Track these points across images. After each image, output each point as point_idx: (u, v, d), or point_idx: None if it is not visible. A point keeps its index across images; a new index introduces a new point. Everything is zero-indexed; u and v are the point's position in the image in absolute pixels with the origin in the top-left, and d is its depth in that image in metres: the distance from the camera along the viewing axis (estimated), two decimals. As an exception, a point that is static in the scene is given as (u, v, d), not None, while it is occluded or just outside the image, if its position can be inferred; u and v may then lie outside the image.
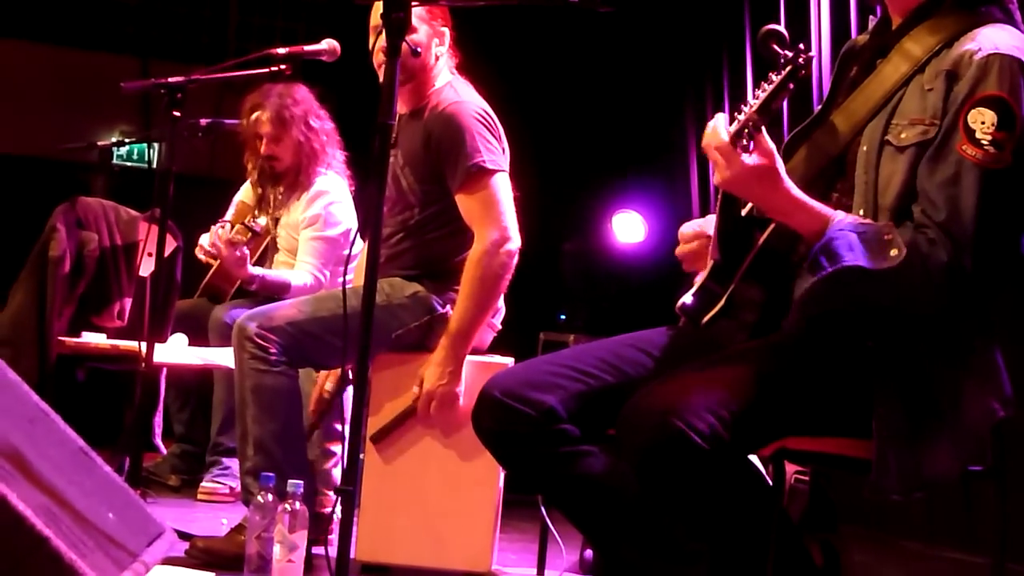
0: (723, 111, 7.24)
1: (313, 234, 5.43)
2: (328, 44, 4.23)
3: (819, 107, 2.94)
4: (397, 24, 2.68)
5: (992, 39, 2.65)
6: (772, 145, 2.61)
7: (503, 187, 4.16)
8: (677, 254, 3.03)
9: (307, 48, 4.21)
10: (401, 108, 4.29)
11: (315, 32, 4.41)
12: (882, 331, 2.63)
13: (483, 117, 4.19)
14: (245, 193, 5.76)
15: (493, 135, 4.20)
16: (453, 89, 4.24)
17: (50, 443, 3.06)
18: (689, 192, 7.60)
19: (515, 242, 4.13)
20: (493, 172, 4.13)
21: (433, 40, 4.26)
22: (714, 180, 2.69)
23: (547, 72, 7.81)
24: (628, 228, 7.65)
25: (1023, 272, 2.78)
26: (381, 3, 2.76)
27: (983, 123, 2.58)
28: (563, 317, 7.76)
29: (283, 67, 4.30)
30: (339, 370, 4.30)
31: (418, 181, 4.23)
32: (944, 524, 6.02)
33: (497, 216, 4.11)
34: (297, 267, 5.42)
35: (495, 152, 4.16)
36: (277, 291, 5.22)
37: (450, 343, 4.08)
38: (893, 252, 2.56)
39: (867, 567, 4.32)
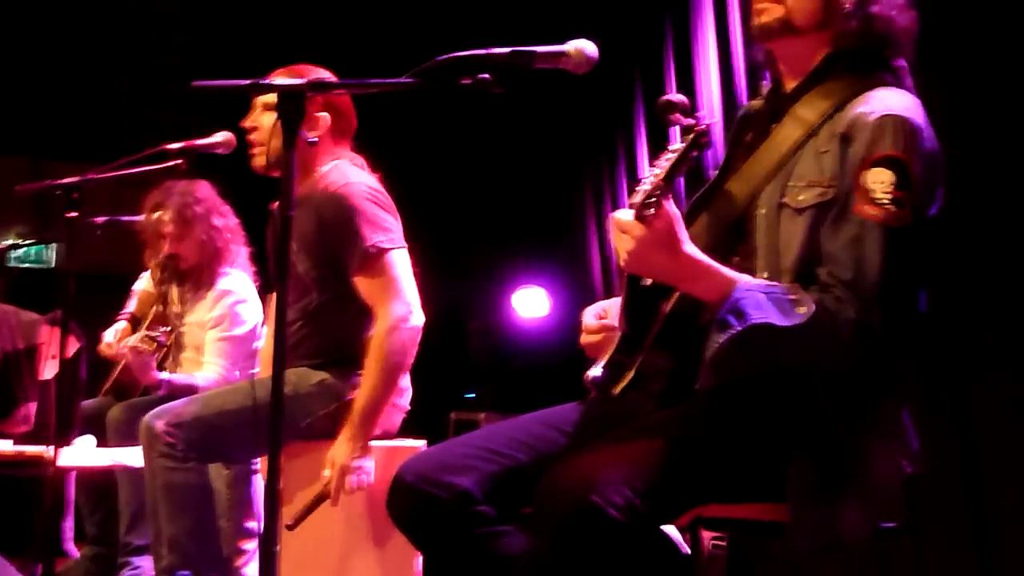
0: (620, 183, 7.35)
1: (220, 334, 5.38)
2: (223, 136, 4.21)
3: (715, 174, 2.98)
4: (292, 115, 2.67)
5: (884, 100, 2.71)
6: (675, 211, 2.62)
7: (401, 264, 4.15)
8: (581, 344, 3.05)
9: (201, 142, 4.19)
10: None
11: (208, 124, 4.38)
12: (791, 393, 2.66)
13: (374, 195, 4.18)
14: (147, 282, 5.71)
15: (386, 212, 4.19)
16: (340, 171, 4.23)
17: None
18: (590, 264, 7.63)
19: (418, 318, 4.12)
20: (390, 250, 4.12)
21: (317, 122, 4.27)
22: (619, 262, 2.70)
23: (447, 151, 7.85)
24: (532, 303, 7.68)
25: (923, 329, 2.83)
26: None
27: (881, 183, 2.63)
28: (472, 396, 7.76)
29: (178, 162, 4.28)
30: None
31: (314, 266, 4.21)
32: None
33: (398, 294, 4.10)
34: (204, 367, 5.36)
35: (390, 230, 4.15)
36: (185, 394, 5.15)
37: (358, 421, 4.05)
38: (801, 310, 2.59)
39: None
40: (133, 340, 5.08)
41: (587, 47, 2.69)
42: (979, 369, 5.45)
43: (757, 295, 2.61)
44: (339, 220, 4.10)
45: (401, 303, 4.09)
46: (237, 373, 5.36)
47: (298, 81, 2.70)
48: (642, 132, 7.17)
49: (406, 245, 4.21)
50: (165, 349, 5.43)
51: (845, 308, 2.60)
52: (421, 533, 2.85)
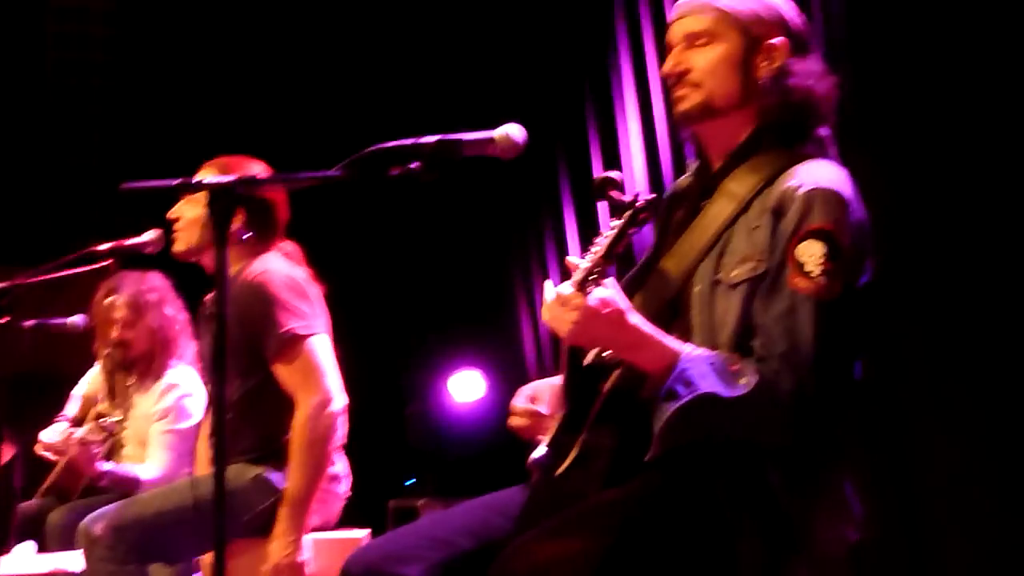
0: (549, 262, 7.37)
1: (165, 427, 5.31)
2: (152, 235, 4.20)
3: (648, 253, 3.00)
4: (222, 213, 2.67)
5: (813, 174, 2.74)
6: (615, 284, 2.67)
7: (320, 349, 4.15)
8: (510, 426, 3.06)
9: (130, 242, 4.17)
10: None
11: (128, 223, 4.37)
12: (736, 467, 2.66)
13: (291, 283, 4.19)
14: (90, 386, 5.64)
15: (304, 300, 4.19)
16: (262, 260, 4.24)
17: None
18: (522, 345, 7.64)
19: (339, 402, 4.12)
20: (307, 336, 4.12)
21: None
22: (561, 336, 2.71)
23: (376, 239, 7.86)
24: (467, 386, 7.67)
25: (860, 396, 2.86)
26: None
27: (812, 256, 2.66)
28: (411, 482, 7.72)
29: (107, 262, 4.26)
30: None
31: (233, 355, 4.18)
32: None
33: (317, 379, 4.10)
34: (148, 460, 5.28)
35: (308, 316, 4.15)
36: (127, 487, 5.10)
37: (288, 513, 4.03)
38: (742, 381, 2.62)
39: None
40: (80, 432, 5.03)
41: (513, 132, 2.70)
42: (916, 433, 5.49)
43: (702, 365, 2.64)
44: (256, 307, 4.09)
45: (319, 389, 4.09)
46: (186, 470, 5.29)
47: (227, 179, 2.70)
48: (569, 211, 7.21)
49: (325, 331, 4.20)
50: (111, 440, 5.37)
51: (782, 379, 2.62)
52: (372, 625, 2.82)
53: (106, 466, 5.12)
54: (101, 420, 5.16)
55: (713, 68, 2.89)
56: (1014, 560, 5.11)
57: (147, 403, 5.39)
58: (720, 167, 2.91)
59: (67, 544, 4.37)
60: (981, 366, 5.19)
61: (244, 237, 4.12)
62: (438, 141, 2.67)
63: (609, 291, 2.64)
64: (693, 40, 2.91)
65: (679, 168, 6.29)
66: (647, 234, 3.11)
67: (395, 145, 2.67)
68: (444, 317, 7.85)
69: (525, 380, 7.62)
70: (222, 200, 2.67)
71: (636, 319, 2.66)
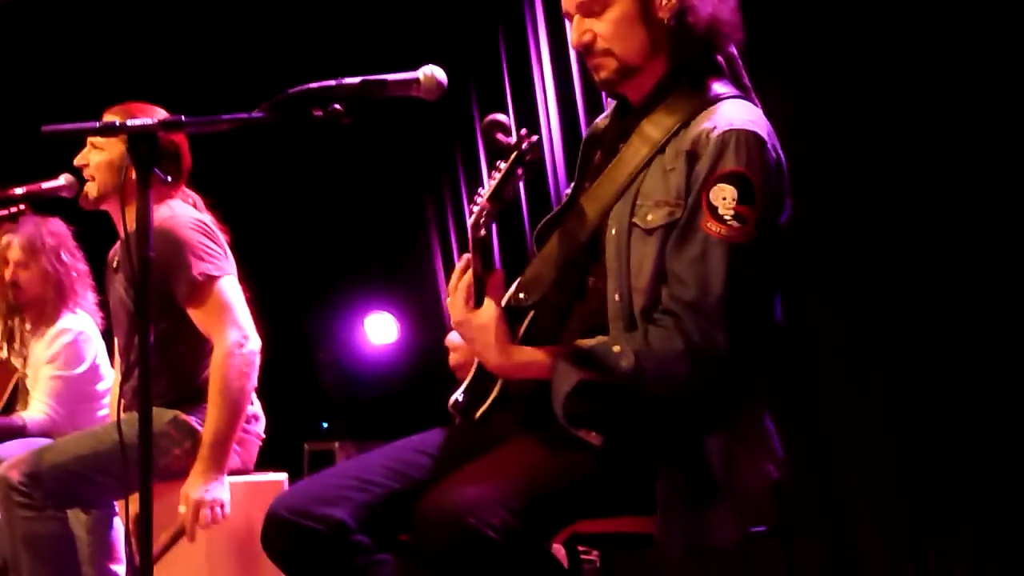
0: (463, 204, 7.38)
1: (52, 372, 5.24)
2: (66, 179, 4.15)
3: (568, 193, 3.01)
4: (145, 154, 2.66)
5: (727, 116, 2.75)
6: (495, 311, 2.76)
7: (231, 291, 4.14)
8: (451, 365, 3.07)
9: (45, 185, 4.12)
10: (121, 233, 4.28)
11: (40, 168, 4.31)
12: (656, 409, 2.69)
13: (199, 226, 4.16)
14: None
15: (213, 242, 4.17)
16: (168, 207, 4.21)
17: None
18: (437, 288, 7.65)
19: (254, 342, 4.11)
20: (218, 278, 4.10)
21: (127, 163, 4.21)
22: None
23: (288, 183, 7.81)
24: (380, 329, 7.67)
25: (779, 338, 2.89)
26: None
27: (724, 199, 2.66)
28: (326, 426, 7.73)
29: (21, 207, 4.21)
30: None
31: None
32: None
33: (232, 319, 4.08)
34: (31, 406, 5.22)
35: (217, 258, 4.14)
36: (10, 435, 5.04)
37: (208, 453, 4.00)
38: (624, 363, 2.65)
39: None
40: None
41: (438, 73, 2.71)
42: (826, 373, 5.57)
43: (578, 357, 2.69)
44: (165, 252, 4.04)
45: (234, 329, 4.07)
46: (61, 412, 5.20)
47: (149, 121, 2.68)
48: (481, 153, 7.21)
49: (234, 273, 4.20)
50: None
51: (673, 341, 2.64)
52: (298, 567, 2.82)
53: None
54: None
55: (616, 32, 2.87)
56: (919, 496, 5.21)
57: (39, 348, 5.32)
58: (637, 108, 2.91)
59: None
60: (888, 305, 5.27)
61: (167, 179, 4.08)
62: (362, 82, 2.67)
63: (490, 315, 2.77)
64: (588, 8, 2.89)
65: (592, 105, 6.31)
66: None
67: (318, 86, 2.66)
68: (357, 260, 7.84)
69: (438, 324, 7.69)
70: (143, 143, 2.65)
71: (507, 346, 2.77)
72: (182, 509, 4.00)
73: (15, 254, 5.32)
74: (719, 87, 2.85)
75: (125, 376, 4.22)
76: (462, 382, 2.98)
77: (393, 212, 7.90)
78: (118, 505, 4.52)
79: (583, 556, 3.82)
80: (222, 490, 4.00)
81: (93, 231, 5.21)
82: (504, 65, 6.97)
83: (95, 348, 5.34)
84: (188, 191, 4.37)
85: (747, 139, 2.71)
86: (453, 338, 3.07)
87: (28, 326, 5.42)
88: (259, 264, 4.48)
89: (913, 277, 5.20)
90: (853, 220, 5.39)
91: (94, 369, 5.32)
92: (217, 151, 4.69)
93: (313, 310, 7.93)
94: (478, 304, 2.77)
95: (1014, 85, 4.59)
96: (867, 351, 5.41)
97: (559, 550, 2.78)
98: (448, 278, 7.41)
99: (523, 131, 2.70)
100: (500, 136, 2.72)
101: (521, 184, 2.79)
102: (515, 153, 2.69)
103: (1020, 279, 4.78)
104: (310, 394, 7.86)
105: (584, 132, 6.20)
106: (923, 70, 4.86)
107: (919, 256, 5.15)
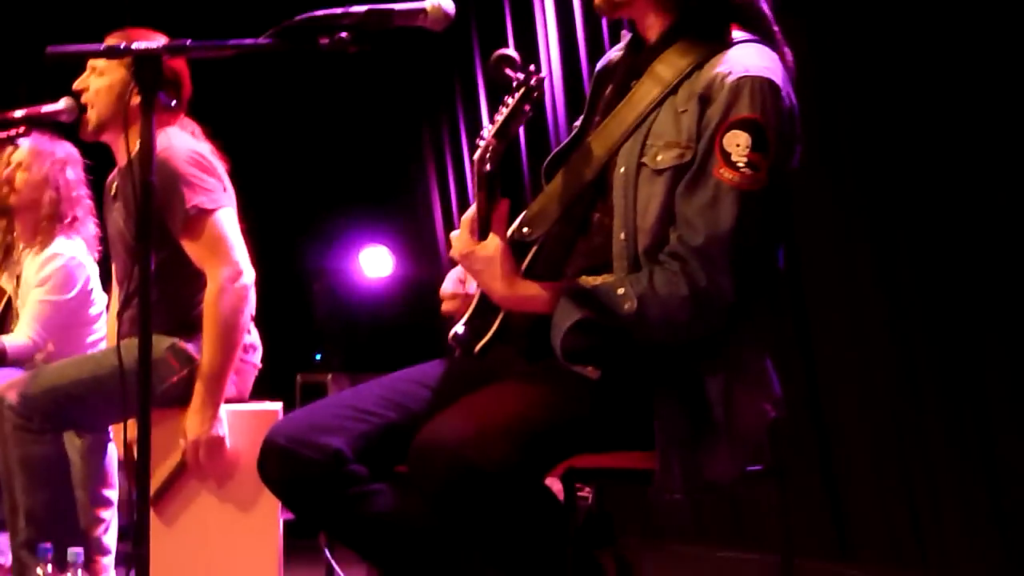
0: (461, 139, 7.37)
1: (41, 296, 5.15)
2: (66, 103, 4.12)
3: (577, 126, 3.00)
4: (150, 78, 2.64)
5: (742, 61, 2.71)
6: (501, 243, 2.75)
7: (227, 223, 4.12)
8: (443, 312, 3.07)
9: (45, 108, 4.08)
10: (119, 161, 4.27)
11: (37, 94, 4.28)
12: (657, 347, 2.70)
13: (194, 158, 4.13)
14: None
15: (209, 174, 4.14)
16: (166, 135, 4.16)
17: None
18: (433, 221, 7.65)
19: (248, 275, 4.10)
20: (213, 211, 4.08)
21: (132, 88, 4.20)
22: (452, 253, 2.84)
23: (287, 114, 7.79)
24: (376, 263, 7.67)
25: (780, 283, 2.90)
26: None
27: (738, 146, 2.65)
28: (319, 357, 7.74)
29: (20, 129, 4.19)
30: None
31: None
32: (712, 525, 6.21)
33: (225, 252, 4.07)
34: (17, 329, 5.17)
35: (213, 190, 4.11)
36: None
37: (204, 388, 4.02)
38: (627, 305, 2.64)
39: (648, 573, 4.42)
40: None
41: (444, 3, 2.70)
42: (820, 317, 5.59)
43: (581, 296, 2.69)
44: (161, 184, 4.00)
45: (228, 262, 4.06)
46: (46, 337, 5.18)
47: (154, 44, 2.67)
48: (481, 87, 7.19)
49: (231, 205, 4.18)
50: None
51: (678, 286, 2.64)
52: (294, 495, 2.83)
53: None
54: None
55: None
56: (911, 437, 5.25)
57: (30, 270, 5.28)
58: (651, 46, 2.87)
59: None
60: (882, 249, 5.29)
61: (172, 103, 4.06)
62: (368, 11, 2.65)
63: (496, 247, 2.75)
64: None
65: (593, 41, 6.29)
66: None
67: (324, 14, 2.65)
68: (355, 193, 7.83)
69: (434, 258, 7.71)
70: (148, 66, 2.64)
71: (514, 280, 2.77)
72: (181, 442, 4.02)
73: (19, 155, 5.25)
74: (735, 31, 2.81)
75: (123, 305, 4.21)
76: (461, 317, 2.98)
77: (390, 144, 7.89)
78: (113, 431, 4.53)
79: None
80: (220, 425, 4.03)
81: (96, 168, 5.21)
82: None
83: (87, 274, 5.29)
84: (187, 120, 4.34)
85: (762, 86, 2.68)
86: (448, 286, 3.08)
87: (21, 244, 5.38)
88: (256, 193, 4.46)
89: (910, 222, 5.22)
90: (848, 161, 5.41)
91: (85, 295, 5.27)
92: (214, 80, 4.66)
93: (309, 241, 7.92)
94: (483, 237, 2.76)
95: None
96: (861, 293, 5.44)
97: (555, 484, 2.79)
98: (445, 212, 7.46)
99: (531, 67, 2.69)
100: (508, 71, 2.71)
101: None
102: (523, 89, 2.68)
103: (1013, 224, 4.80)
104: (303, 325, 7.86)
105: (584, 66, 6.22)
106: (931, 17, 4.87)
107: (915, 199, 5.17)
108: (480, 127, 2.76)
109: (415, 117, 7.83)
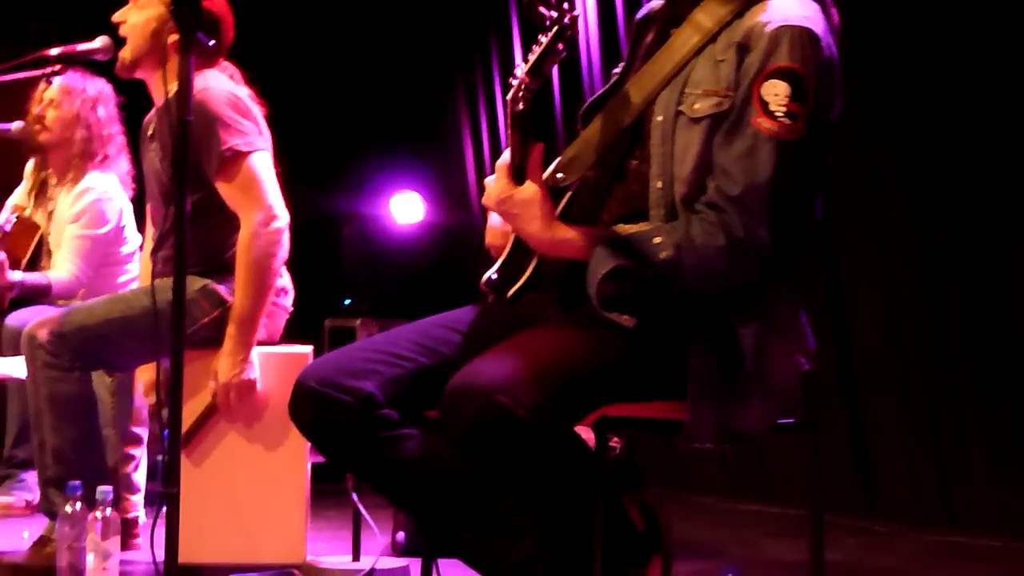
0: (494, 83, 7.34)
1: (77, 231, 5.20)
2: (103, 41, 4.10)
3: (617, 72, 2.99)
4: (188, 17, 2.64)
5: (782, 10, 2.69)
6: (539, 186, 2.72)
7: (262, 167, 4.09)
8: (487, 246, 3.05)
9: (81, 47, 4.07)
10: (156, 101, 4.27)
11: (70, 32, 4.28)
12: (688, 300, 2.69)
13: (231, 100, 4.11)
14: (19, 196, 5.54)
15: (246, 117, 4.12)
16: (203, 78, 4.13)
17: None
18: (464, 168, 7.64)
19: (282, 219, 4.08)
20: (248, 153, 4.06)
21: (168, 26, 4.19)
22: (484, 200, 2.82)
23: (317, 58, 7.77)
24: (406, 208, 7.67)
25: (816, 236, 2.89)
26: None
27: (776, 95, 2.63)
28: (348, 302, 7.74)
29: (56, 67, 4.19)
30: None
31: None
32: (737, 477, 6.22)
33: (259, 196, 4.05)
34: (56, 265, 5.19)
35: (249, 133, 4.09)
36: (38, 293, 5.04)
37: (236, 331, 4.01)
38: (664, 254, 2.63)
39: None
40: None
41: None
42: (851, 270, 5.58)
43: (617, 243, 2.67)
44: (197, 125, 3.99)
45: (262, 206, 4.04)
46: (88, 273, 5.19)
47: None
48: (515, 30, 7.16)
49: (267, 148, 4.17)
50: (22, 238, 5.29)
51: (715, 236, 2.62)
52: (325, 437, 2.83)
53: (15, 276, 4.99)
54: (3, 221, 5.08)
55: None
56: (939, 393, 5.24)
57: (64, 206, 5.28)
58: None
59: (17, 350, 4.33)
60: (914, 207, 5.27)
61: (211, 43, 4.05)
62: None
63: (533, 189, 2.72)
64: None
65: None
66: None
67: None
68: (386, 137, 7.82)
69: (465, 205, 7.70)
70: (187, 5, 2.63)
71: (551, 223, 2.74)
72: (212, 384, 4.02)
73: (51, 92, 5.26)
74: None
75: (157, 245, 4.22)
76: (495, 261, 2.97)
77: (423, 89, 7.86)
78: (137, 372, 4.54)
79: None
80: (251, 368, 4.02)
81: (132, 105, 5.20)
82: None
83: (119, 209, 5.30)
84: (227, 63, 4.33)
85: (801, 35, 2.67)
86: (494, 219, 3.05)
87: (54, 181, 5.39)
88: (287, 137, 4.45)
89: (942, 174, 5.20)
90: (882, 111, 5.38)
91: (117, 231, 5.29)
92: (250, 24, 4.63)
93: (339, 185, 7.91)
94: (519, 182, 2.75)
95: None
96: (892, 247, 5.42)
97: (584, 432, 2.78)
98: (476, 158, 7.45)
99: (565, 4, 2.67)
100: (542, 8, 2.68)
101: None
102: (557, 27, 2.65)
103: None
104: (332, 270, 7.86)
105: (620, 10, 6.19)
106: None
107: (948, 151, 5.16)
108: (514, 68, 2.74)
109: (447, 61, 7.81)
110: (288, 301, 4.33)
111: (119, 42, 4.20)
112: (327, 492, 4.59)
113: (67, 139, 5.29)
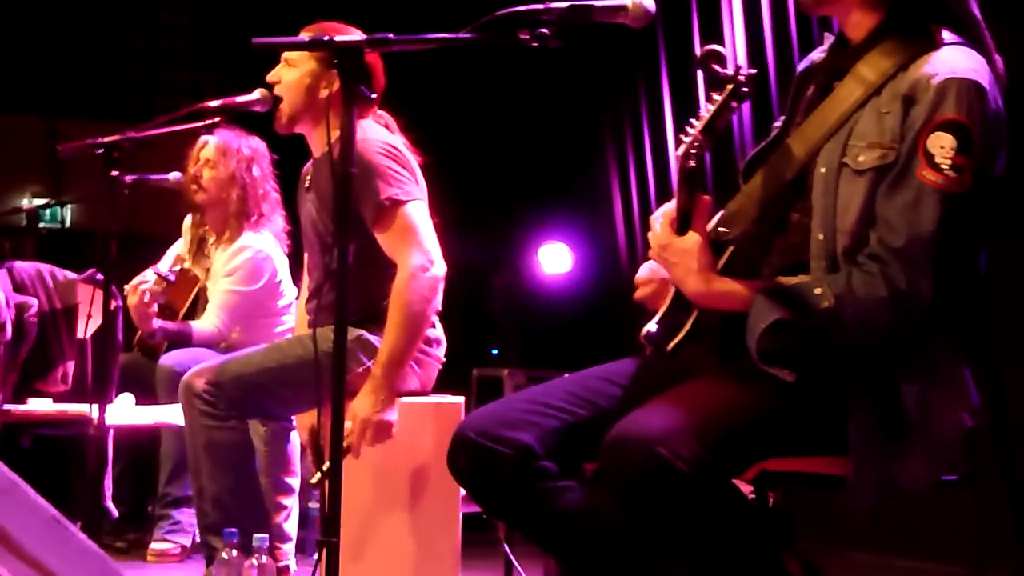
0: (643, 137, 7.34)
1: (228, 286, 5.35)
2: (260, 93, 4.17)
3: (777, 126, 2.98)
4: (351, 69, 2.68)
5: (948, 63, 2.67)
6: (700, 237, 2.73)
7: (419, 215, 4.12)
8: (636, 299, 3.05)
9: (239, 99, 4.14)
10: (314, 152, 4.32)
11: (222, 83, 4.36)
12: (853, 351, 2.66)
13: (388, 150, 4.15)
14: (181, 248, 5.68)
15: (403, 167, 4.16)
16: (360, 128, 4.13)
17: (24, 513, 3.00)
18: (613, 218, 7.63)
19: (439, 267, 4.10)
20: (405, 202, 4.09)
21: (322, 81, 4.26)
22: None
23: (470, 108, 7.82)
24: (554, 259, 7.68)
25: (983, 290, 2.88)
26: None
27: (942, 148, 2.61)
28: (495, 352, 7.77)
29: (216, 119, 4.27)
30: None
31: (334, 222, 4.17)
32: (889, 532, 6.10)
33: (418, 243, 4.07)
34: (203, 317, 5.34)
35: (406, 183, 4.13)
36: (179, 340, 5.15)
37: (381, 372, 3.99)
38: (824, 304, 2.62)
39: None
40: (136, 280, 5.08)
41: (646, 0, 2.69)
42: (1010, 327, 5.47)
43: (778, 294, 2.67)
44: (355, 176, 4.03)
45: (419, 252, 4.06)
46: (235, 327, 5.29)
47: (356, 37, 2.71)
48: (665, 84, 7.15)
49: (423, 198, 4.20)
50: (181, 289, 5.41)
51: (877, 288, 2.60)
52: (482, 488, 2.85)
53: (157, 322, 5.13)
54: (167, 270, 5.18)
55: None
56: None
57: (219, 262, 5.41)
58: (855, 46, 2.83)
59: (174, 395, 4.40)
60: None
61: (372, 96, 4.10)
62: (570, 7, 2.67)
63: (695, 242, 2.73)
64: None
65: (781, 41, 6.22)
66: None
67: (527, 9, 2.67)
68: (536, 188, 7.84)
69: (614, 255, 7.68)
70: (351, 59, 2.67)
71: (710, 276, 2.74)
72: (348, 424, 4.03)
73: (207, 152, 5.40)
74: (942, 32, 2.76)
75: (312, 294, 4.27)
76: (654, 314, 2.96)
77: (572, 140, 7.88)
78: (296, 419, 4.59)
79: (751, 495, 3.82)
80: (391, 411, 4.00)
81: (284, 161, 5.28)
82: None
83: (274, 267, 5.40)
84: (382, 112, 4.38)
85: (968, 88, 2.64)
86: (643, 272, 3.06)
87: (212, 238, 5.51)
88: (441, 186, 4.48)
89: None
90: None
91: (272, 287, 5.39)
92: (403, 73, 4.68)
93: (491, 235, 7.94)
94: (682, 232, 2.75)
95: None
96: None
97: (742, 486, 2.76)
98: (625, 210, 7.44)
99: (740, 65, 2.67)
100: (716, 67, 2.68)
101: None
102: (731, 86, 2.65)
103: None
104: (479, 320, 7.90)
105: (772, 66, 6.14)
106: None
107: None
108: (663, 124, 2.75)
109: (596, 113, 7.82)
110: (441, 352, 4.35)
111: (276, 96, 4.27)
112: (477, 542, 4.58)
113: (223, 199, 5.42)
